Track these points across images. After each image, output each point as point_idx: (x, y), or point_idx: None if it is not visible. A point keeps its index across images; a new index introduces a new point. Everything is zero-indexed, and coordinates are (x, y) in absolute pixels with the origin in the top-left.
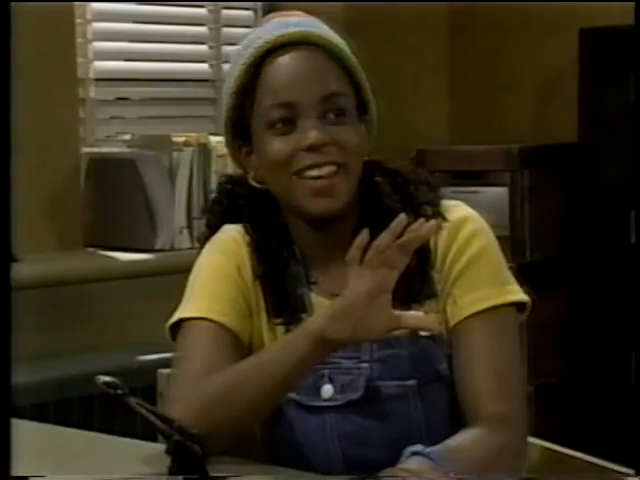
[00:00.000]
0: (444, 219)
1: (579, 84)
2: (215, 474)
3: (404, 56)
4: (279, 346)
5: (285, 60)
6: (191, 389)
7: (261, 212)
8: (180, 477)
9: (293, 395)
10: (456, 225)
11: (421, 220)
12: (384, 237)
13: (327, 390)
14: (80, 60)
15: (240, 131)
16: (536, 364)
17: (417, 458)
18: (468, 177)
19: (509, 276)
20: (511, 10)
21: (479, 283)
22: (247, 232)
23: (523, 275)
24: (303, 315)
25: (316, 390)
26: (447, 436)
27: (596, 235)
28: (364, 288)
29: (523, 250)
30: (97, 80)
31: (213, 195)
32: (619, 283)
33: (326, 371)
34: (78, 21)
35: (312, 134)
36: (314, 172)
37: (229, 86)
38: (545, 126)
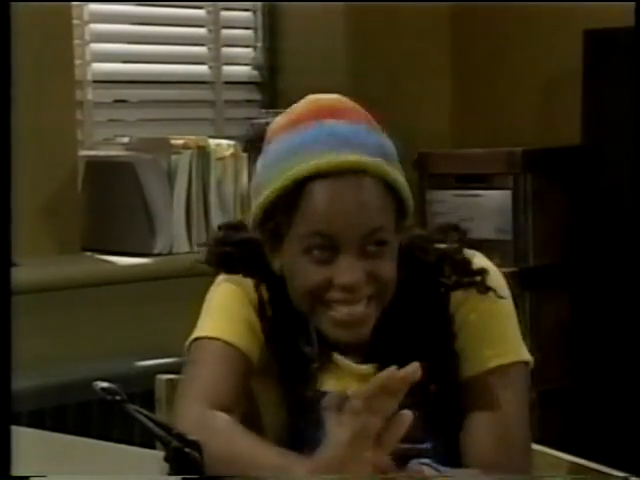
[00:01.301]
0: (481, 285)
1: (583, 86)
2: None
3: (406, 58)
4: (274, 461)
5: (331, 188)
6: (196, 414)
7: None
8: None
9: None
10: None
11: (408, 368)
12: (366, 391)
13: None
14: (77, 62)
15: (272, 236)
16: (538, 370)
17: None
18: (471, 180)
19: (519, 333)
20: (514, 12)
21: (495, 339)
22: (257, 291)
23: (526, 280)
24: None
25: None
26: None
27: (600, 239)
28: (344, 437)
29: (526, 254)
30: (95, 82)
31: (215, 236)
32: (623, 288)
33: None
34: (75, 22)
35: (347, 275)
36: (345, 309)
37: (264, 186)
38: (548, 129)
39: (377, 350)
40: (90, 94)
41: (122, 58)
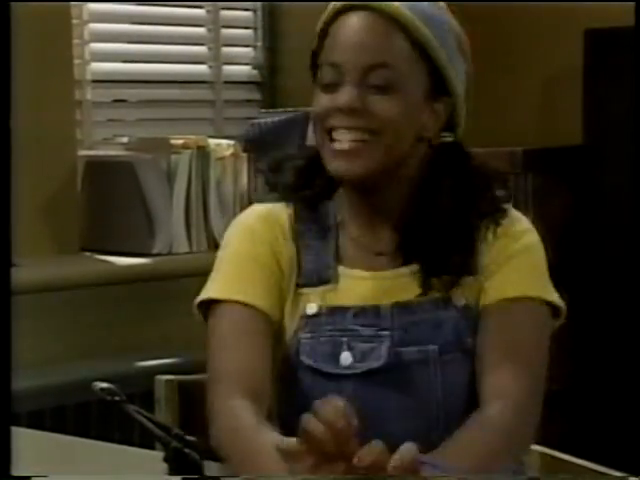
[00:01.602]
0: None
1: (584, 86)
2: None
3: None
4: None
5: (345, 23)
6: (224, 409)
7: (311, 177)
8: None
9: (310, 362)
10: (512, 222)
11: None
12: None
13: (346, 358)
14: (77, 61)
15: (314, 67)
16: None
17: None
18: None
19: (550, 282)
20: (514, 11)
21: (524, 273)
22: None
23: None
24: (329, 286)
25: (334, 358)
26: (463, 411)
27: (601, 240)
28: None
29: None
30: (94, 82)
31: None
32: (624, 289)
33: (344, 339)
34: (75, 22)
35: (344, 97)
36: (341, 135)
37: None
38: (549, 128)
39: (406, 249)
40: (89, 94)
41: (121, 58)
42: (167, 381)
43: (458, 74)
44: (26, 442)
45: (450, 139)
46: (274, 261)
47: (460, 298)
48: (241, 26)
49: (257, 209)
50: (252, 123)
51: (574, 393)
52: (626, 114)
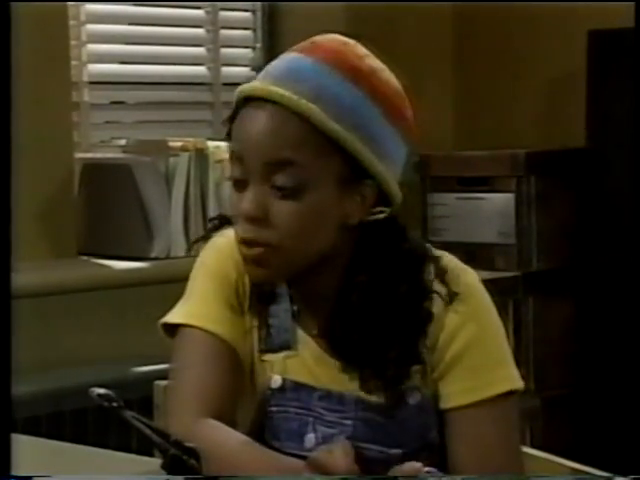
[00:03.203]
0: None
1: (587, 87)
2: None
3: (407, 59)
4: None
5: (248, 114)
6: (187, 418)
7: None
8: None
9: (275, 442)
10: (461, 296)
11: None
12: None
13: (310, 439)
14: (74, 63)
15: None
16: (542, 375)
17: None
18: (473, 183)
19: (508, 357)
20: (517, 12)
21: (478, 368)
22: None
23: (529, 284)
24: (288, 352)
25: (300, 437)
26: None
27: (604, 243)
28: None
29: (529, 259)
30: (91, 83)
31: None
32: (628, 293)
33: (310, 418)
34: (72, 23)
35: (245, 204)
36: (244, 249)
37: None
38: (552, 131)
39: (334, 326)
40: (87, 95)
41: (119, 59)
42: (166, 387)
43: (384, 151)
44: (22, 448)
45: (382, 216)
46: (239, 291)
47: (414, 394)
48: (240, 27)
49: (231, 234)
50: None
51: (579, 398)
52: (630, 116)
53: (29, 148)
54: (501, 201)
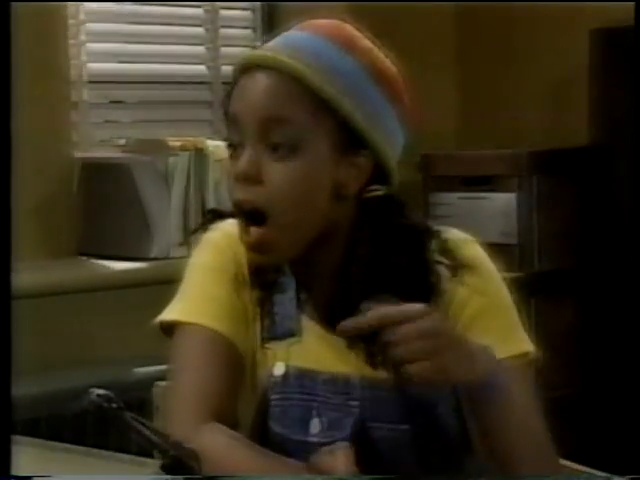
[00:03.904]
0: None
1: (590, 86)
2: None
3: (410, 58)
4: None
5: (245, 81)
6: (186, 419)
7: None
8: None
9: (279, 429)
10: (466, 268)
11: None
12: None
13: (315, 425)
14: (73, 62)
15: None
16: (546, 376)
17: None
18: (475, 183)
19: (520, 323)
20: (519, 11)
21: (493, 331)
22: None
23: (531, 285)
24: (292, 339)
25: (304, 424)
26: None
27: (608, 243)
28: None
29: (531, 259)
30: (90, 82)
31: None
32: (632, 293)
33: (315, 404)
34: (71, 22)
35: (239, 165)
36: (245, 236)
37: None
38: (555, 130)
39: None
40: (86, 94)
41: (118, 58)
42: (166, 388)
43: (379, 123)
44: (22, 450)
45: (380, 193)
46: (238, 283)
47: None
48: (240, 26)
49: (225, 228)
50: None
51: (584, 399)
52: (634, 114)
53: (28, 148)
54: (503, 201)
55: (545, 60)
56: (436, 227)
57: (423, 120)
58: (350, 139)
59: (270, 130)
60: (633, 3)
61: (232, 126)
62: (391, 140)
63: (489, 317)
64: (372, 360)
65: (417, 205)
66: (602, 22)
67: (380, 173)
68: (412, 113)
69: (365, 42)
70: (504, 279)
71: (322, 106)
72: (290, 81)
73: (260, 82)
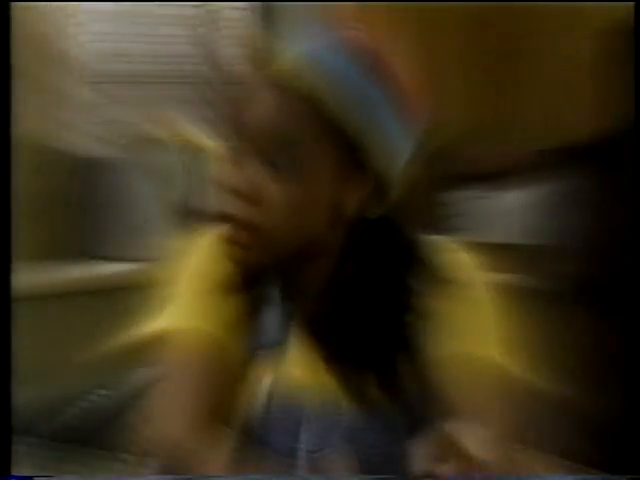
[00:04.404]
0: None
1: (594, 84)
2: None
3: (413, 59)
4: None
5: (254, 92)
6: (183, 421)
7: None
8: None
9: (267, 438)
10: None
11: None
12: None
13: (303, 436)
14: (72, 61)
15: None
16: (546, 376)
17: None
18: (486, 180)
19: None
20: (526, 9)
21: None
22: None
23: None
24: (278, 350)
25: (293, 434)
26: None
27: (625, 246)
28: None
29: (540, 261)
30: (90, 82)
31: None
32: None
33: (302, 415)
34: (71, 21)
35: (238, 182)
36: (229, 229)
37: None
38: (565, 127)
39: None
40: (85, 94)
41: (118, 57)
42: (160, 391)
43: (386, 142)
44: (23, 449)
45: (377, 214)
46: (228, 290)
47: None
48: (240, 26)
49: (217, 233)
50: None
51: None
52: (634, 114)
53: (28, 147)
54: (514, 199)
55: (553, 54)
56: (429, 240)
57: (432, 116)
58: (354, 159)
59: (275, 149)
60: (633, 3)
61: (236, 133)
62: (397, 157)
63: (470, 334)
64: (358, 378)
65: (425, 205)
66: (605, 22)
67: (381, 188)
68: (422, 119)
69: (387, 61)
70: (497, 286)
71: (329, 125)
72: (302, 102)
73: (271, 100)
